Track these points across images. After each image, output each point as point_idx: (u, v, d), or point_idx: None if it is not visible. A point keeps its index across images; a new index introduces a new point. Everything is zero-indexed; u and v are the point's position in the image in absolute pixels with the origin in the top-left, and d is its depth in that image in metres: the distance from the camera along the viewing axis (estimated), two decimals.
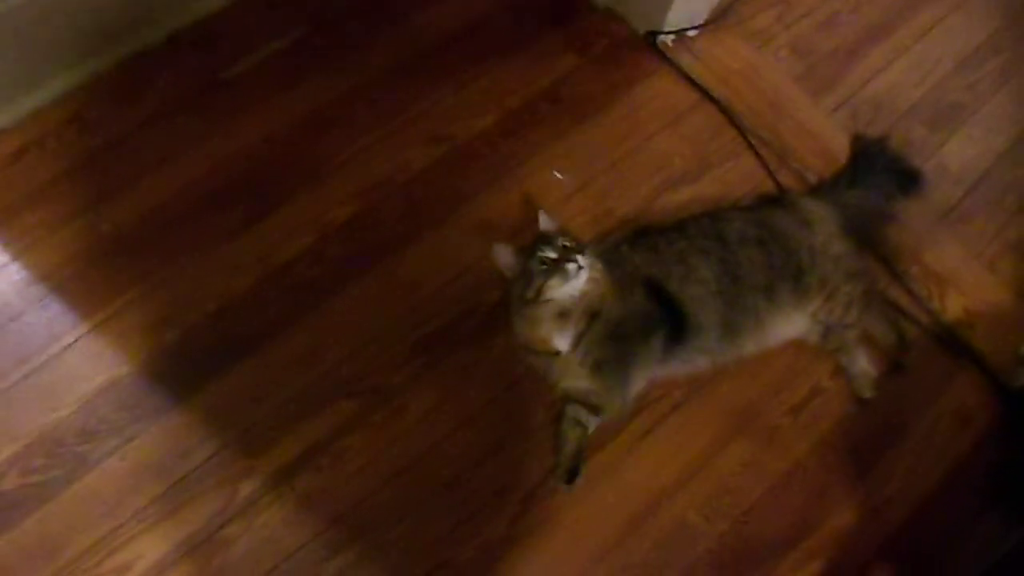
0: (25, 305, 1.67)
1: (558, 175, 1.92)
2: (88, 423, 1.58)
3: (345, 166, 1.87)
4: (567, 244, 1.58)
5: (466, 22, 2.07)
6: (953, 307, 1.89)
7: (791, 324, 1.75)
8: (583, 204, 1.90)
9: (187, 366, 1.65)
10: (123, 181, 1.79)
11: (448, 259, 1.80)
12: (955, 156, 2.10)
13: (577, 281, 1.55)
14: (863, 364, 1.78)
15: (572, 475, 1.61)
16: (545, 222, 1.68)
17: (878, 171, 1.91)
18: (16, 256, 1.72)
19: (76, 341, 1.64)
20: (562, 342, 1.60)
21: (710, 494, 1.67)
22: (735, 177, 1.98)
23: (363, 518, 1.57)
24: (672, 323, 1.63)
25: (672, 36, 2.09)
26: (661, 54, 2.09)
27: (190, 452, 1.58)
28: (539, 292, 1.56)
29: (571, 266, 1.53)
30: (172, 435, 1.59)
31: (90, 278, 1.71)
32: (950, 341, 1.85)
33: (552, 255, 1.56)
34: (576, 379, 1.63)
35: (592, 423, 1.64)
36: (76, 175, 1.80)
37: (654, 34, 2.09)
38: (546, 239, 1.61)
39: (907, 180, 1.93)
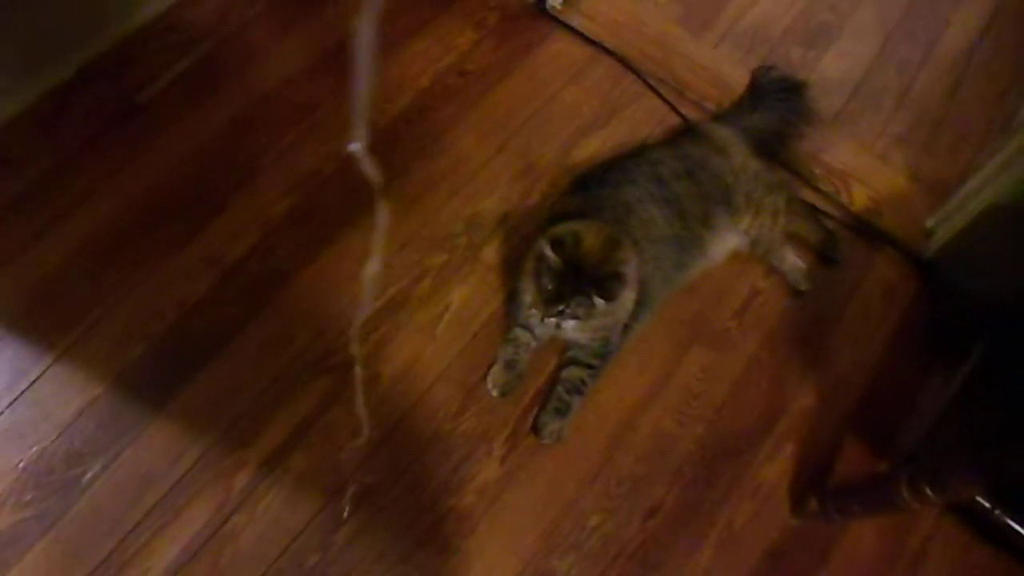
0: None
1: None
2: (73, 447, 1.59)
3: (275, 164, 1.90)
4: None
5: None
6: (859, 198, 2.04)
7: (727, 243, 1.86)
8: (506, 162, 1.98)
9: (160, 375, 1.67)
10: (61, 211, 1.80)
11: (392, 232, 1.85)
12: (832, 68, 2.26)
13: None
14: (793, 260, 1.89)
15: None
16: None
17: (774, 94, 2.02)
18: None
19: (44, 372, 1.64)
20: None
21: (679, 402, 1.76)
22: (641, 116, 2.09)
23: (361, 484, 1.61)
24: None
25: (559, 0, 2.20)
26: (552, 18, 2.19)
27: (179, 456, 1.60)
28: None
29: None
30: (158, 443, 1.61)
31: (47, 309, 1.71)
32: (863, 228, 2.00)
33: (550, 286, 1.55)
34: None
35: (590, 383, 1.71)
36: (12, 213, 1.80)
37: (542, 1, 2.19)
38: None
39: (799, 98, 2.04)
